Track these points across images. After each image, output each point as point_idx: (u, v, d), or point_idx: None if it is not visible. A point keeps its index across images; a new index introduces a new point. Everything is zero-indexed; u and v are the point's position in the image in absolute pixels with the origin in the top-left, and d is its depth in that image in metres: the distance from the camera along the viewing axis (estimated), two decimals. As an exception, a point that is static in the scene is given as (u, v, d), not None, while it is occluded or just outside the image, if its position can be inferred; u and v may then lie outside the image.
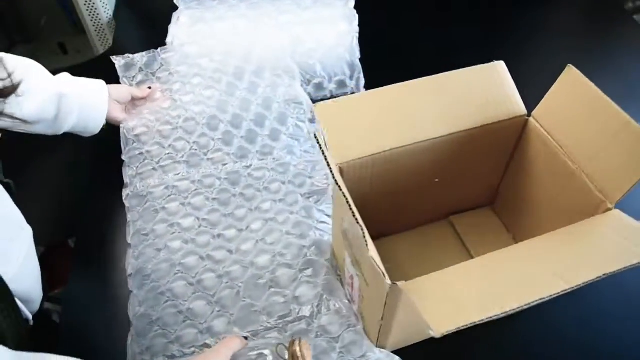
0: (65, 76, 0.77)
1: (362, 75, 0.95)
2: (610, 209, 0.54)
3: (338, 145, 0.59)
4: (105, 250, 0.75)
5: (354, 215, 0.47)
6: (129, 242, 0.73)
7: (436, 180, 0.67)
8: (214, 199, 0.76)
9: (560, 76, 0.60)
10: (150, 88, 0.89)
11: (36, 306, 0.65)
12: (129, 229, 0.74)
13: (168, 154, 0.82)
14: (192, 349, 0.63)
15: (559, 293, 0.45)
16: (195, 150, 0.82)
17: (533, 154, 0.66)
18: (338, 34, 1.00)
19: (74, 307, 0.69)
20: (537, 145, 0.64)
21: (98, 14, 1.15)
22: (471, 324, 0.43)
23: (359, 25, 1.02)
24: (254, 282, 0.67)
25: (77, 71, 0.81)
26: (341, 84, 0.96)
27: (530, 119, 0.64)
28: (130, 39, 1.12)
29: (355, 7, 1.05)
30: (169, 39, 1.00)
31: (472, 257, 0.72)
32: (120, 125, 0.85)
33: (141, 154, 0.82)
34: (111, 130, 0.84)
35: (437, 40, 1.08)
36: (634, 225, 0.51)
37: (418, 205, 0.73)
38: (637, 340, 0.65)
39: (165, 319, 0.65)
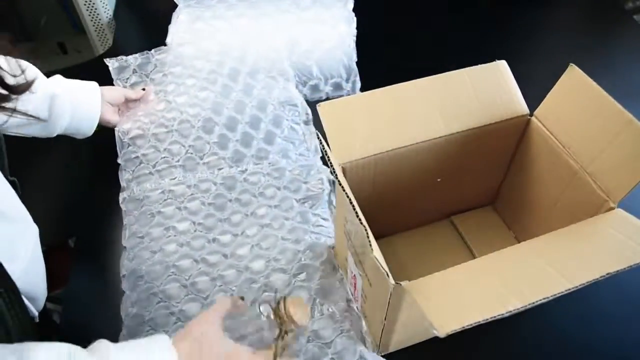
0: (58, 78, 0.77)
1: (358, 78, 0.95)
2: (612, 208, 0.54)
3: (340, 146, 0.59)
4: (105, 250, 0.74)
5: (358, 216, 0.47)
6: (124, 244, 0.73)
7: (439, 180, 0.67)
8: (209, 203, 0.76)
9: (562, 75, 0.60)
10: (144, 89, 0.88)
11: (41, 304, 0.65)
12: (124, 232, 0.74)
13: (164, 157, 0.81)
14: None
15: (562, 292, 0.45)
16: (191, 154, 0.82)
17: (535, 153, 0.66)
18: (336, 36, 1.00)
19: (74, 306, 0.69)
20: (539, 145, 0.64)
21: (98, 14, 1.15)
22: (475, 323, 0.42)
23: (357, 27, 1.01)
24: (247, 286, 0.67)
25: (76, 71, 0.81)
26: (337, 86, 0.95)
27: (533, 118, 0.64)
28: (130, 39, 1.11)
29: (354, 10, 1.05)
30: (168, 39, 1.00)
31: (474, 257, 0.72)
32: (115, 128, 0.84)
33: (137, 157, 0.82)
34: (110, 132, 0.84)
35: (437, 40, 1.08)
36: (636, 224, 0.51)
37: (420, 205, 0.72)
38: (637, 341, 0.65)
39: (157, 319, 0.65)
